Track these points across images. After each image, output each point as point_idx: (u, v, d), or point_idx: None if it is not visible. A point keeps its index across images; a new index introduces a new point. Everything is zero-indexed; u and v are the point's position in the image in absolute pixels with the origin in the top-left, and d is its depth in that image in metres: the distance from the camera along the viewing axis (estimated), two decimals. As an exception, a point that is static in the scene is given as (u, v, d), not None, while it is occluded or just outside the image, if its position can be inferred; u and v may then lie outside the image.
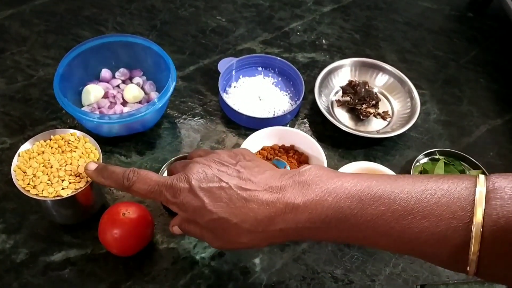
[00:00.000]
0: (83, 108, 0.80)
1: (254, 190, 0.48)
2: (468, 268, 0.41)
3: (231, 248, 0.56)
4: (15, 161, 0.62)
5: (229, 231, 0.49)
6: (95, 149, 0.66)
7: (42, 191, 0.60)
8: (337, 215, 0.45)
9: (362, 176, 0.46)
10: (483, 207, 0.39)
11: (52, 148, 0.64)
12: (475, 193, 0.40)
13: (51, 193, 0.60)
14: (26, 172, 0.61)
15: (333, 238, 0.48)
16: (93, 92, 0.80)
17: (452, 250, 0.41)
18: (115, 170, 0.55)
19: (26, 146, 0.64)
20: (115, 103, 0.81)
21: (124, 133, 0.78)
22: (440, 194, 0.42)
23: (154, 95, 0.83)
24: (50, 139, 0.65)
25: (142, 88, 0.84)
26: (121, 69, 0.84)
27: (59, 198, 0.60)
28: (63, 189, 0.61)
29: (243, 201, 0.48)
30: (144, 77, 0.86)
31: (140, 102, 0.82)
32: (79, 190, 0.61)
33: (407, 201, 0.43)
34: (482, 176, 0.42)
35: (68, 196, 0.61)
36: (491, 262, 0.40)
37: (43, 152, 0.63)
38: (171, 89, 0.74)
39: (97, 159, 0.65)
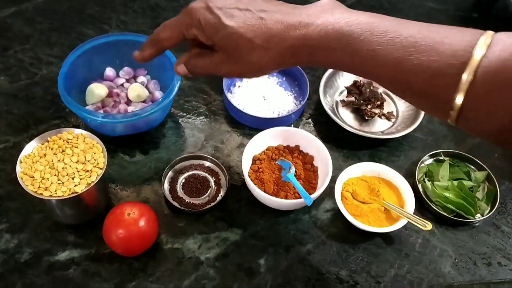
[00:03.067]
0: (87, 107, 0.79)
1: (270, 11, 0.51)
2: (451, 112, 0.43)
3: (239, 72, 0.55)
4: (18, 168, 0.62)
5: (241, 48, 0.51)
6: (96, 142, 0.66)
7: (56, 191, 0.60)
8: (346, 37, 0.47)
9: (376, 15, 0.48)
10: (484, 51, 0.41)
11: (52, 149, 0.64)
12: (479, 39, 0.41)
13: (65, 191, 0.60)
14: (33, 177, 0.61)
15: (335, 61, 0.50)
16: (97, 91, 0.79)
17: (442, 88, 0.43)
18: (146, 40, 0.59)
19: (26, 151, 0.64)
20: (119, 102, 0.80)
21: (128, 132, 0.78)
22: (445, 35, 0.43)
23: (158, 94, 0.82)
24: (48, 141, 0.65)
25: (146, 87, 0.83)
26: (125, 68, 0.84)
27: (75, 195, 0.60)
28: (75, 185, 0.61)
29: (259, 19, 0.50)
30: (148, 76, 0.85)
31: (144, 101, 0.82)
32: (92, 184, 0.61)
33: (413, 35, 0.44)
34: (491, 32, 0.42)
35: (82, 192, 0.61)
36: (475, 107, 0.42)
37: (45, 155, 0.63)
38: (176, 88, 0.74)
39: (101, 152, 0.65)
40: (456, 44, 0.42)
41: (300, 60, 0.52)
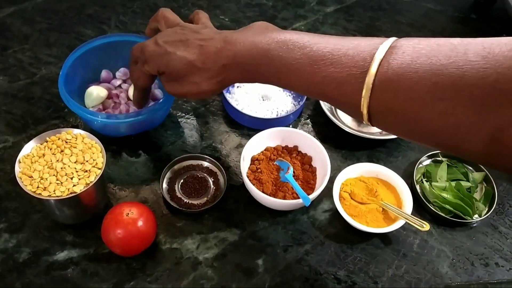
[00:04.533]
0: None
1: (207, 38, 0.58)
2: (364, 115, 0.47)
3: (182, 91, 0.61)
4: (17, 168, 0.62)
5: (183, 70, 0.58)
6: (95, 143, 0.66)
7: (54, 191, 0.60)
8: (267, 54, 0.53)
9: (301, 33, 0.54)
10: (380, 60, 0.44)
11: (51, 149, 0.64)
12: (378, 49, 0.45)
13: (64, 191, 0.60)
14: (32, 177, 0.61)
15: (263, 76, 0.55)
16: (96, 94, 0.79)
17: (349, 96, 0.47)
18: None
19: (25, 151, 0.64)
20: (120, 103, 0.80)
21: (133, 132, 0.78)
22: (349, 47, 0.48)
23: (158, 92, 0.83)
24: (47, 141, 0.65)
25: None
26: (121, 69, 0.84)
27: (73, 195, 0.60)
28: (74, 185, 0.61)
29: (198, 46, 0.58)
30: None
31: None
32: (91, 184, 0.61)
33: (321, 50, 0.49)
34: (393, 38, 0.46)
35: (80, 192, 0.61)
36: (379, 111, 0.45)
37: (43, 155, 0.63)
38: None
39: (100, 152, 0.65)
40: (357, 55, 0.46)
41: (235, 77, 0.58)
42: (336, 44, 0.49)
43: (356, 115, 0.48)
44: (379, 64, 0.44)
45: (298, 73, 0.51)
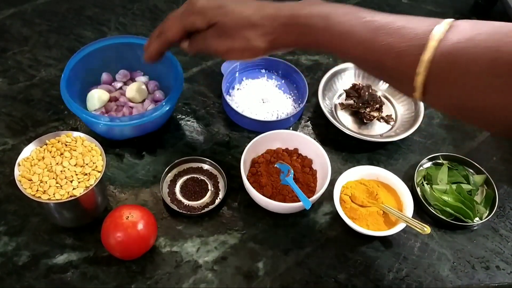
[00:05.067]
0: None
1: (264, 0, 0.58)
2: (415, 87, 0.47)
3: (229, 47, 0.59)
4: (17, 171, 0.62)
5: (237, 23, 0.57)
6: (95, 145, 0.66)
7: (54, 194, 0.60)
8: (328, 18, 0.53)
9: (359, 8, 0.55)
10: (440, 33, 0.45)
11: (51, 152, 0.64)
12: (439, 25, 0.47)
13: (63, 195, 0.60)
14: (32, 180, 0.61)
15: (319, 41, 0.55)
16: (98, 97, 0.79)
17: (406, 67, 0.48)
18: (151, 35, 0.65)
19: (24, 154, 0.63)
20: (122, 106, 0.80)
21: (137, 134, 0.78)
22: (408, 21, 0.49)
23: (159, 93, 0.83)
24: (46, 144, 0.65)
25: (146, 87, 0.83)
26: (121, 71, 0.84)
27: (73, 198, 0.60)
28: (74, 189, 0.61)
29: (255, 2, 0.57)
30: (147, 76, 0.85)
31: (144, 101, 0.82)
32: (90, 187, 0.61)
33: (381, 20, 0.51)
34: (450, 19, 0.48)
35: (80, 195, 0.61)
36: (435, 85, 0.47)
37: (43, 158, 0.63)
38: (180, 88, 0.75)
39: (99, 155, 0.65)
40: (417, 29, 0.48)
41: (289, 39, 0.57)
42: (395, 18, 0.50)
43: (406, 89, 0.49)
44: (440, 38, 0.45)
45: (358, 40, 0.51)
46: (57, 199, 0.60)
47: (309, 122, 0.86)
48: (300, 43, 0.57)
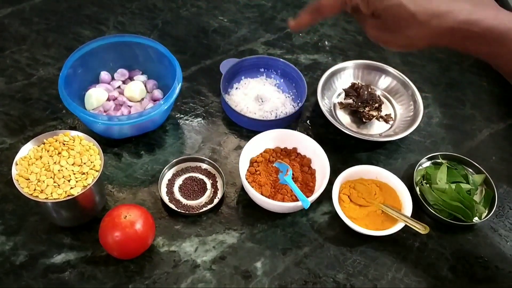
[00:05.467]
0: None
1: None
2: None
3: (389, 40, 0.57)
4: (14, 171, 0.62)
5: (401, 19, 0.53)
6: (93, 145, 0.65)
7: (51, 194, 0.60)
8: (501, 32, 0.51)
9: None
10: None
11: (48, 151, 0.64)
12: None
13: (61, 194, 0.60)
14: (29, 179, 0.60)
15: (483, 51, 0.53)
16: (96, 96, 0.79)
17: None
18: (303, 13, 0.60)
19: (22, 153, 0.63)
20: (121, 105, 0.80)
21: (135, 133, 0.78)
22: None
23: (157, 92, 0.82)
24: (44, 143, 0.64)
25: (144, 86, 0.83)
26: (119, 70, 0.84)
27: (71, 197, 0.60)
28: (71, 188, 0.60)
29: (426, 1, 0.52)
30: (146, 75, 0.85)
31: (142, 100, 0.82)
32: (88, 187, 0.61)
33: None
34: None
35: (78, 194, 0.60)
36: None
37: (40, 157, 0.63)
38: (179, 87, 0.74)
39: (97, 154, 0.64)
40: None
41: (453, 42, 0.54)
42: None
43: None
44: None
45: None
46: (54, 199, 0.60)
47: (308, 122, 0.86)
48: (464, 48, 0.54)
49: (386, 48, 0.62)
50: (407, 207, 0.71)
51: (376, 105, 0.85)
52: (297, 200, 0.69)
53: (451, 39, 0.53)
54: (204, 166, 0.77)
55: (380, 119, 0.87)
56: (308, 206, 0.68)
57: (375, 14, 0.55)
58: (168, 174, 0.75)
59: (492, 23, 0.51)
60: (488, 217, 0.73)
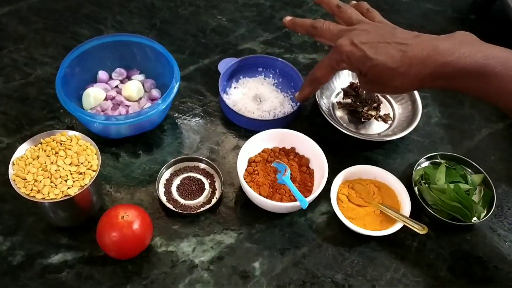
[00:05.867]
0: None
1: (409, 43, 0.58)
2: None
3: (380, 91, 0.69)
4: (11, 171, 0.61)
5: (384, 75, 0.60)
6: (90, 144, 0.65)
7: (48, 194, 0.59)
8: (482, 69, 0.54)
9: (504, 49, 0.57)
10: None
11: (45, 151, 0.63)
12: None
13: (58, 194, 0.60)
14: (26, 179, 0.60)
15: (470, 89, 0.57)
16: (94, 95, 0.79)
17: None
18: (304, 21, 0.70)
19: (18, 153, 0.63)
20: (118, 104, 0.80)
21: (133, 133, 0.78)
22: None
23: (155, 92, 0.82)
24: (41, 143, 0.64)
25: (142, 85, 0.83)
26: (117, 69, 0.84)
27: (68, 197, 0.60)
28: (68, 188, 0.60)
29: (400, 52, 0.58)
30: (144, 75, 0.85)
31: (140, 99, 0.81)
32: (85, 187, 0.61)
33: None
34: None
35: (75, 195, 0.60)
36: None
37: (37, 157, 0.63)
38: (177, 86, 0.74)
39: (95, 154, 0.64)
40: None
41: (437, 84, 0.58)
42: None
43: None
44: None
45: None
46: (51, 199, 0.60)
47: (306, 121, 0.86)
48: (451, 87, 0.58)
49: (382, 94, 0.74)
50: (406, 207, 0.71)
51: (375, 104, 0.85)
52: (295, 200, 0.69)
53: (435, 82, 0.58)
54: (202, 166, 0.76)
55: (379, 119, 0.87)
56: (306, 206, 0.68)
57: (362, 74, 0.62)
58: (166, 174, 0.75)
59: (465, 61, 0.55)
60: (487, 217, 0.73)
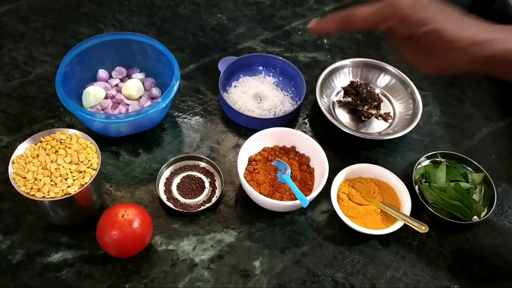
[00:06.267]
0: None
1: (473, 23, 0.53)
2: None
3: (424, 63, 0.57)
4: (11, 169, 0.61)
5: (440, 45, 0.53)
6: (90, 143, 0.65)
7: (48, 192, 0.59)
8: None
9: None
10: None
11: (45, 149, 0.63)
12: None
13: (58, 193, 0.60)
14: (26, 177, 0.60)
15: None
16: (94, 94, 0.78)
17: None
18: (330, 17, 0.58)
19: (18, 152, 0.63)
20: (118, 103, 0.80)
21: (133, 131, 0.78)
22: None
23: (155, 91, 0.82)
24: (41, 141, 0.64)
25: (142, 84, 0.83)
26: (117, 68, 0.83)
27: (68, 196, 0.60)
28: (68, 187, 0.60)
29: (464, 25, 0.53)
30: (144, 73, 0.85)
31: (140, 98, 0.81)
32: (85, 185, 0.61)
33: None
34: None
35: (75, 193, 0.60)
36: None
37: (37, 155, 0.62)
38: (177, 85, 0.74)
39: (95, 153, 0.64)
40: None
41: (492, 70, 0.54)
42: None
43: None
44: None
45: None
46: (51, 197, 0.59)
47: (306, 120, 0.86)
48: (505, 78, 0.54)
49: (421, 71, 0.62)
50: (406, 206, 0.71)
51: (375, 103, 0.85)
52: (295, 198, 0.69)
53: (489, 67, 0.54)
54: (202, 164, 0.76)
55: (379, 118, 0.86)
56: (307, 204, 0.68)
57: (412, 38, 0.55)
58: (166, 173, 0.75)
59: None
60: (487, 216, 0.73)
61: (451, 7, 0.55)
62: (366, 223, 0.70)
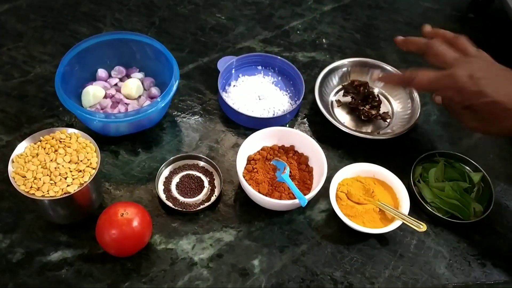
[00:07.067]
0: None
1: None
2: None
3: (486, 130, 0.63)
4: (10, 168, 0.61)
5: (497, 114, 0.59)
6: (90, 142, 0.65)
7: (48, 191, 0.59)
8: None
9: None
10: None
11: (45, 148, 0.63)
12: None
13: (57, 192, 0.60)
14: (25, 176, 0.60)
15: None
16: (93, 93, 0.79)
17: None
18: (395, 73, 0.69)
19: (18, 151, 0.63)
20: (118, 102, 0.80)
21: (132, 131, 0.78)
22: None
23: (154, 90, 0.82)
24: (41, 140, 0.64)
25: (142, 83, 0.83)
26: (117, 67, 0.84)
27: (67, 195, 0.60)
28: (68, 186, 0.60)
29: None
30: (143, 73, 0.85)
31: (139, 97, 0.81)
32: (85, 184, 0.61)
33: None
34: None
35: (74, 192, 0.60)
36: None
37: (37, 154, 0.63)
38: (176, 85, 0.74)
39: (94, 152, 0.64)
40: None
41: None
42: None
43: None
44: None
45: None
46: (51, 196, 0.60)
47: (305, 119, 0.86)
48: None
49: (483, 134, 0.71)
50: (405, 205, 0.71)
51: (375, 103, 0.85)
52: (294, 198, 0.69)
53: None
54: (201, 164, 0.77)
55: (378, 117, 0.87)
56: (306, 204, 0.68)
57: (470, 108, 0.60)
58: (165, 172, 0.75)
59: None
60: (485, 215, 0.73)
61: (504, 71, 0.60)
62: (364, 222, 0.71)
